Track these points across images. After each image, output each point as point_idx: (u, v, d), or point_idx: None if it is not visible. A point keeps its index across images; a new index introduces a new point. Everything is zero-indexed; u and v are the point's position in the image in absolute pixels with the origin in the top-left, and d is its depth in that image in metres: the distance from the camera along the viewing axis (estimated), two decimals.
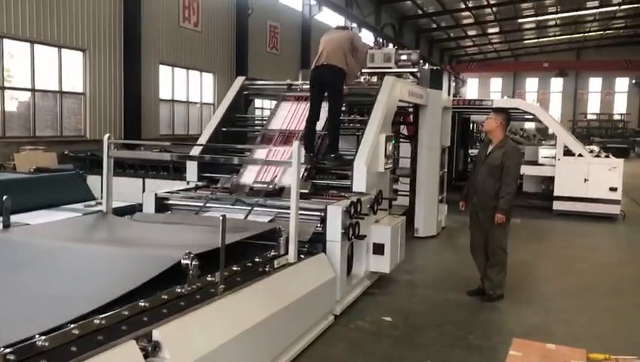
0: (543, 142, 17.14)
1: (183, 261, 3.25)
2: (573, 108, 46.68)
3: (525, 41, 44.73)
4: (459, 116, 13.24)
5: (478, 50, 48.35)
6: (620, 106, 45.91)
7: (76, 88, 13.38)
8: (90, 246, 3.91)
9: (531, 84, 49.26)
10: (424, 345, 4.55)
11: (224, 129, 6.71)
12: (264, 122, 7.07)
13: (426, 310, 5.46)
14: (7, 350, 2.28)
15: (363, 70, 7.76)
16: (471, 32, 41.28)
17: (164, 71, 16.30)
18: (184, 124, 17.69)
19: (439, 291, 6.02)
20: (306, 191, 5.41)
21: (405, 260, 6.34)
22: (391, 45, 9.75)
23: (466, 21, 37.41)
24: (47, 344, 2.39)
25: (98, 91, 13.68)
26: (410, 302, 5.69)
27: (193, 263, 3.25)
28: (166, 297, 3.10)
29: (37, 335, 2.41)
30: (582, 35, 42.22)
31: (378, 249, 5.60)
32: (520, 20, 37.13)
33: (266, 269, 4.01)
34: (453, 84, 10.71)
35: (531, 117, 13.03)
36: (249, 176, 5.87)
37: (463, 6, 32.90)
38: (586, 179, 10.67)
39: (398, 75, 7.65)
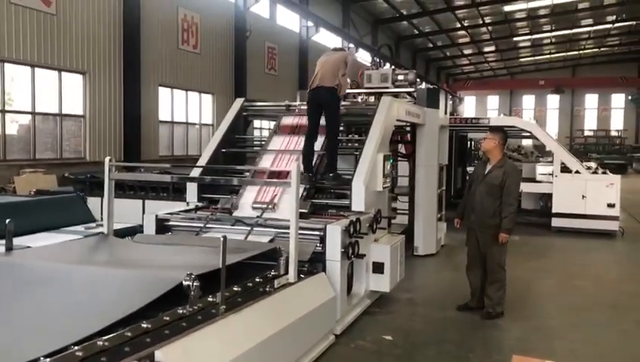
0: (541, 159, 17.23)
1: (184, 282, 3.28)
2: (570, 124, 46.98)
3: (521, 59, 45.20)
4: (456, 134, 13.32)
5: (475, 68, 48.81)
6: (617, 122, 46.21)
7: (76, 110, 13.47)
8: (92, 269, 3.93)
9: (528, 101, 49.64)
10: None
11: (224, 150, 6.77)
12: (263, 142, 7.12)
13: (426, 328, 5.47)
14: None
15: (360, 90, 7.86)
16: (467, 51, 41.71)
17: (164, 92, 16.42)
18: (183, 144, 17.76)
19: (439, 309, 6.02)
20: (306, 210, 5.45)
21: (405, 278, 6.35)
22: (388, 65, 9.84)
23: (462, 40, 37.83)
24: None
25: (98, 113, 13.77)
26: (410, 321, 5.70)
27: (194, 284, 3.28)
28: (168, 318, 3.13)
29: (41, 358, 2.43)
30: (577, 52, 42.67)
31: (378, 268, 5.62)
32: (515, 39, 37.60)
33: (267, 289, 4.03)
34: (450, 102, 10.82)
35: (528, 134, 13.12)
36: (248, 197, 5.90)
37: (459, 25, 33.27)
38: (583, 196, 10.71)
39: (395, 94, 7.74)
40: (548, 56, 43.80)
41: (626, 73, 40.67)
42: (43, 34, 12.15)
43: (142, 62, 14.85)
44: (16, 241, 4.42)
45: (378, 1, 28.19)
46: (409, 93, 8.30)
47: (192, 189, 6.27)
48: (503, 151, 5.84)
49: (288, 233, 4.36)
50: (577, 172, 10.88)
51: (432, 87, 27.12)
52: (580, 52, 42.72)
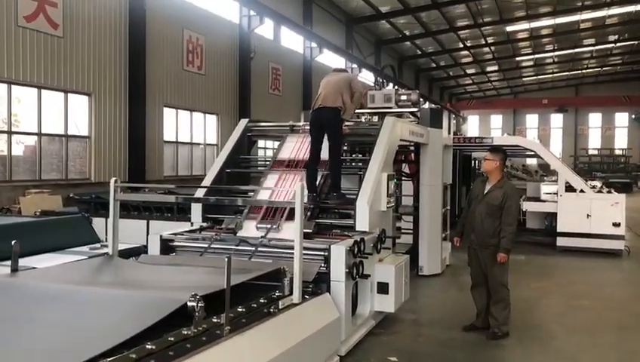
0: (545, 178, 17.21)
1: (189, 303, 3.28)
2: (574, 143, 46.97)
3: (524, 78, 45.40)
4: (460, 153, 13.34)
5: (478, 87, 49.03)
6: (621, 141, 46.18)
7: (81, 131, 13.57)
8: (96, 289, 3.94)
9: (531, 120, 49.74)
10: None
11: (228, 170, 6.80)
12: (267, 163, 7.15)
13: (431, 349, 5.43)
14: None
15: (364, 110, 7.91)
16: (470, 70, 41.95)
17: (168, 113, 16.53)
18: (188, 165, 17.83)
19: (445, 330, 5.99)
20: (310, 230, 5.45)
21: (410, 299, 6.33)
22: (391, 85, 9.94)
23: (464, 60, 38.07)
24: None
25: (103, 134, 13.86)
26: (415, 342, 5.66)
27: (199, 305, 3.28)
28: (172, 339, 3.12)
29: None
30: (580, 71, 42.86)
31: (382, 288, 5.59)
32: (518, 58, 37.81)
33: (271, 310, 4.02)
34: (454, 121, 10.86)
35: (532, 153, 13.12)
36: (253, 216, 5.91)
37: (462, 45, 33.52)
38: (588, 215, 10.67)
39: (399, 114, 7.78)
40: (551, 75, 44.03)
41: (629, 92, 40.72)
42: (50, 56, 12.29)
43: (147, 83, 14.98)
44: (22, 262, 4.42)
45: (381, 22, 28.47)
46: (412, 113, 8.34)
47: (196, 209, 6.29)
48: (502, 172, 5.87)
49: (292, 253, 4.37)
50: (582, 191, 10.86)
51: (435, 106, 27.28)
52: (583, 71, 42.94)
